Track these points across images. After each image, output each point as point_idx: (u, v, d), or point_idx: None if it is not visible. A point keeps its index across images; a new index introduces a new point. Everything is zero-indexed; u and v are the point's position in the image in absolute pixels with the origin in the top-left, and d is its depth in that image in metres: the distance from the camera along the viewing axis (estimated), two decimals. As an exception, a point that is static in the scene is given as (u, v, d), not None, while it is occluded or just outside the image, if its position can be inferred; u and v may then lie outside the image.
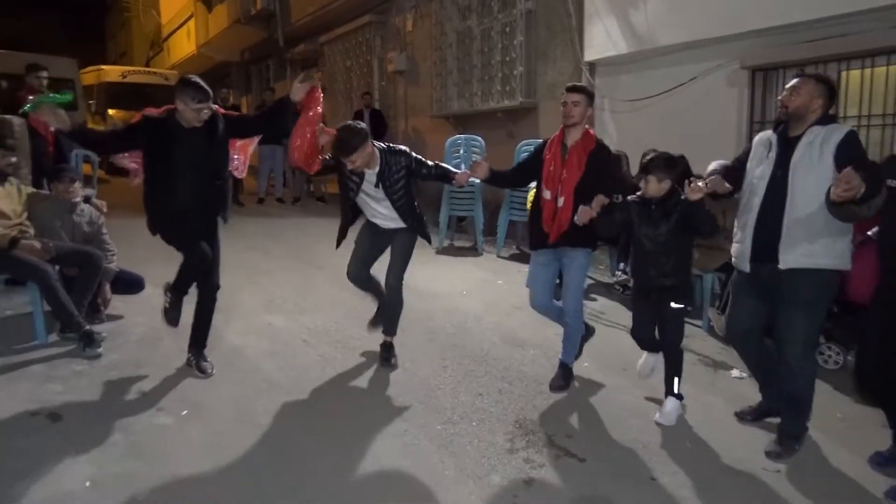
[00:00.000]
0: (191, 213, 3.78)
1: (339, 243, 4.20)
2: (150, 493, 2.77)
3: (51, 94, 4.43)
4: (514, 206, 7.43)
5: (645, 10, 6.50)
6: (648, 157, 3.53)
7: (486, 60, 9.19)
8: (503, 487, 2.88)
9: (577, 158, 3.70)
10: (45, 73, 7.36)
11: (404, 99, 11.43)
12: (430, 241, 4.24)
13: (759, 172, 3.17)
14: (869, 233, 3.70)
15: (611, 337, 4.73)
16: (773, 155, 3.14)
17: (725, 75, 6.03)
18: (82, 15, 28.87)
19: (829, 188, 2.81)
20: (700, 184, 3.25)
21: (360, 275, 4.17)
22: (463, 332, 4.85)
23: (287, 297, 5.58)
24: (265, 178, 11.15)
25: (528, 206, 4.78)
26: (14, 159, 4.47)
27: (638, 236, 3.52)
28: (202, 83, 3.65)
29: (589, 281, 6.48)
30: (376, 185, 3.88)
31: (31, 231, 4.50)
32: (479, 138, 8.14)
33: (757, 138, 3.32)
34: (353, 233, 4.21)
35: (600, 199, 3.50)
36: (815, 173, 2.97)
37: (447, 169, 4.03)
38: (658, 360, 3.74)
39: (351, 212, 4.12)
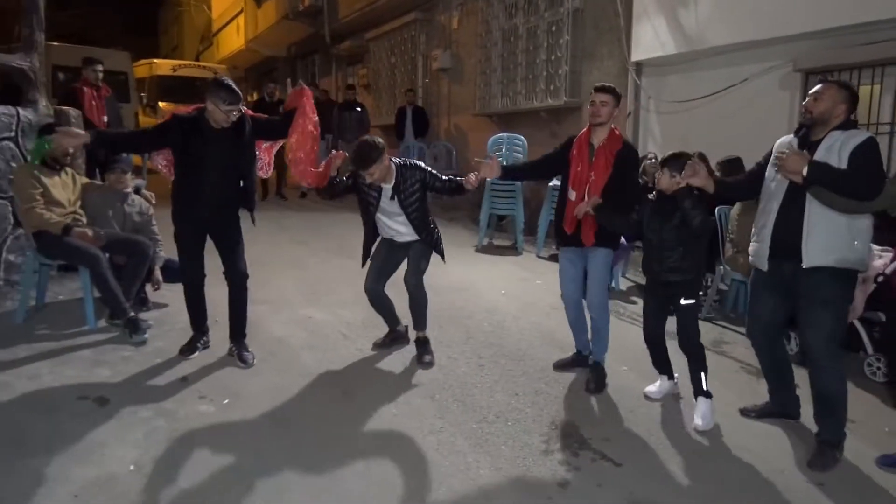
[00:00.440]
0: (213, 209, 3.92)
1: (364, 261, 4.32)
2: (191, 479, 2.83)
3: (37, 140, 4.88)
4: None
5: (695, 10, 6.39)
6: (666, 155, 3.56)
7: (531, 59, 9.14)
8: (537, 488, 2.87)
9: (604, 160, 3.76)
10: (100, 67, 7.62)
11: (447, 97, 11.46)
12: (443, 258, 4.31)
13: (779, 176, 3.18)
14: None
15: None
16: None
17: (777, 78, 5.90)
18: (137, 9, 29.60)
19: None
20: (697, 167, 3.28)
21: (375, 287, 4.25)
22: (501, 331, 4.85)
23: (328, 291, 5.66)
24: None
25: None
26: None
27: (646, 231, 3.57)
28: (234, 86, 3.80)
29: (628, 283, 6.41)
30: (392, 198, 4.01)
31: (84, 219, 4.66)
32: (522, 137, 8.08)
33: (778, 143, 3.33)
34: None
35: (594, 200, 3.65)
36: None
37: (461, 182, 4.07)
38: (672, 388, 3.78)
39: (372, 230, 4.22)
